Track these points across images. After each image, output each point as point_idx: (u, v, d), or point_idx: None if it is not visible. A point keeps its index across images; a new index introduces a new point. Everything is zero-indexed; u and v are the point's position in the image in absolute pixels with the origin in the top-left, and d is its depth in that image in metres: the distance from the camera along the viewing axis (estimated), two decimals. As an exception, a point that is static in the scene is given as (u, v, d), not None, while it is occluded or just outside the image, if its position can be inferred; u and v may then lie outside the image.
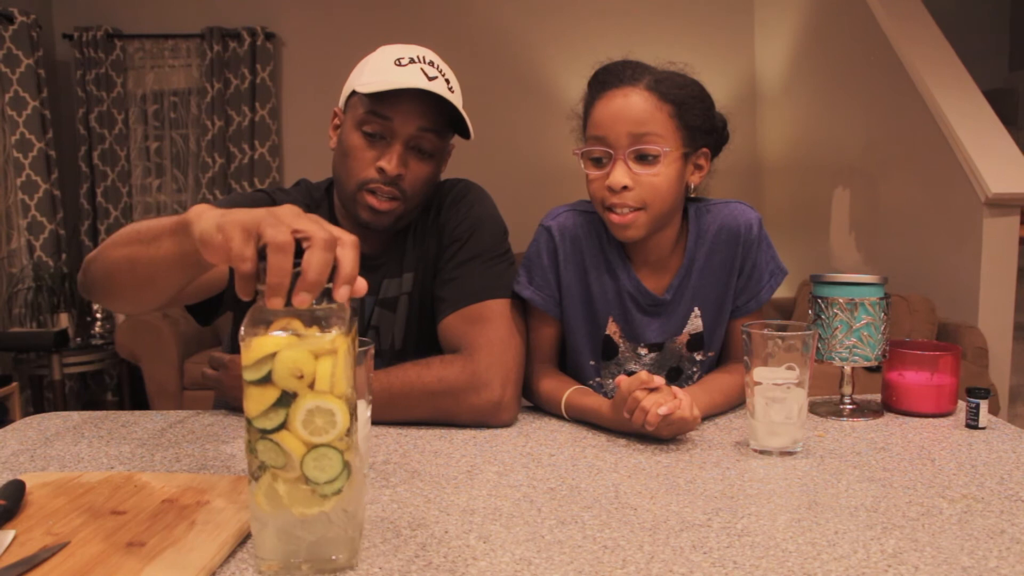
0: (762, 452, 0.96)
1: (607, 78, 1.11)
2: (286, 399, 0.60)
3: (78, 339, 3.89)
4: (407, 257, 1.21)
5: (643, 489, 0.84)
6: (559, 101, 4.54)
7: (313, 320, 0.62)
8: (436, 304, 1.17)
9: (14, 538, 0.69)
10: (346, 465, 0.62)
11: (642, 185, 1.07)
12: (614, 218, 1.10)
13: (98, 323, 3.99)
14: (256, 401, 0.60)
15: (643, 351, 1.20)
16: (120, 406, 4.20)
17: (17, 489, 0.77)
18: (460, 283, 1.14)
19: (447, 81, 1.13)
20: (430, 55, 1.14)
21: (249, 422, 0.61)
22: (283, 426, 0.60)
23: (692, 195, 1.18)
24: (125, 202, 4.40)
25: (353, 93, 1.13)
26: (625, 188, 1.07)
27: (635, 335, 1.19)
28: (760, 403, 0.95)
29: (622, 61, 1.13)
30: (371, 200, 1.12)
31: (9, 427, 1.10)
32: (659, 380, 0.98)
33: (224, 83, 4.36)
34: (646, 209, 1.09)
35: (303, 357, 0.60)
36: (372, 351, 0.88)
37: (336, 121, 1.19)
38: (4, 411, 3.34)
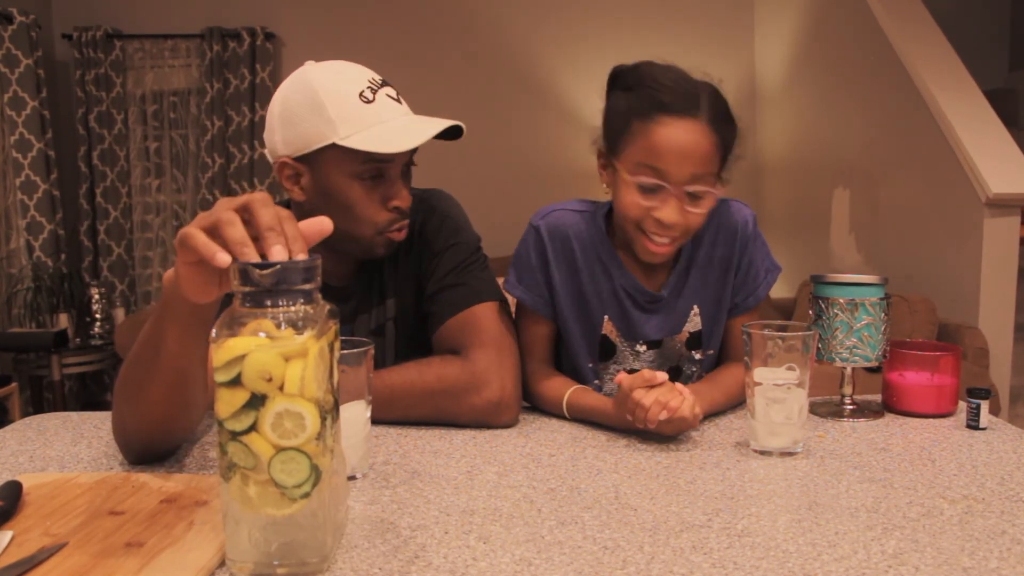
0: (762, 452, 0.96)
1: (671, 100, 1.04)
2: (256, 401, 0.60)
3: (77, 339, 3.88)
4: (387, 284, 1.21)
5: (643, 490, 0.84)
6: (558, 101, 4.54)
7: (287, 322, 0.62)
8: (427, 320, 1.17)
9: (12, 539, 0.69)
10: (314, 469, 0.62)
11: (688, 220, 1.08)
12: (651, 247, 1.09)
13: (97, 323, 3.98)
14: (226, 402, 0.60)
15: (641, 348, 1.20)
16: (120, 406, 4.18)
17: (14, 490, 0.77)
18: (446, 295, 1.14)
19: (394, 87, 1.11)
20: (369, 72, 1.09)
21: (220, 423, 0.61)
22: (253, 428, 0.60)
23: None
24: (124, 202, 4.39)
25: (332, 145, 1.03)
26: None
27: (633, 333, 1.19)
28: (760, 403, 0.95)
29: (673, 72, 1.08)
30: (394, 236, 1.12)
31: (8, 427, 1.09)
32: (662, 376, 0.98)
33: (224, 83, 4.36)
34: (681, 237, 1.10)
35: (272, 359, 0.60)
36: (371, 351, 0.88)
37: (288, 172, 1.08)
38: (4, 411, 3.33)
